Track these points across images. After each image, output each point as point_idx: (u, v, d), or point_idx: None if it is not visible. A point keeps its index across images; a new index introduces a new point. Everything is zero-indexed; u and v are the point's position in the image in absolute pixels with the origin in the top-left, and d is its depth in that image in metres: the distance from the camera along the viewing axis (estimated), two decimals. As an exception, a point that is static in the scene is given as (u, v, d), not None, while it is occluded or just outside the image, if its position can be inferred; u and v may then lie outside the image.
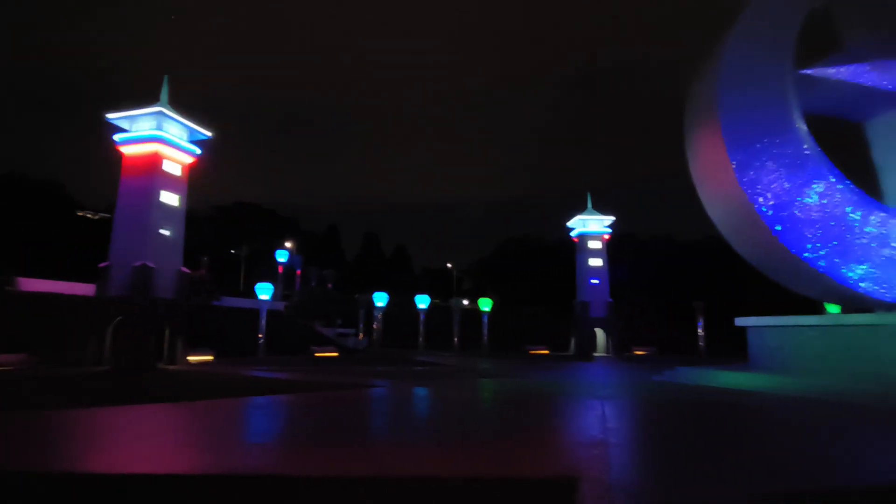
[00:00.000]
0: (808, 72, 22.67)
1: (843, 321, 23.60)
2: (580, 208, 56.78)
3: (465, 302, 64.09)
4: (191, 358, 33.37)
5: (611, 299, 54.14)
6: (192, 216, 52.74)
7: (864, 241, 21.47)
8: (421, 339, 51.33)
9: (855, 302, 23.30)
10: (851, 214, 21.54)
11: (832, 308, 34.54)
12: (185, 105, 34.73)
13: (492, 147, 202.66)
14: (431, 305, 53.71)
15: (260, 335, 39.00)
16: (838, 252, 21.47)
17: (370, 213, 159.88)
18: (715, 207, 24.56)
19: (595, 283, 54.53)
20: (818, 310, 35.02)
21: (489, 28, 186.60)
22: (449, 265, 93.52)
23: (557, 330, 57.31)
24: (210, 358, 34.75)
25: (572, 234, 57.63)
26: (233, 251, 73.10)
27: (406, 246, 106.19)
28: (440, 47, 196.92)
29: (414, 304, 52.80)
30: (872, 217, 21.51)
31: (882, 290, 21.72)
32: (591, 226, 55.80)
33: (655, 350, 53.58)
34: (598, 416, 15.23)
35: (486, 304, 52.51)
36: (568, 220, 57.57)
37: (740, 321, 27.54)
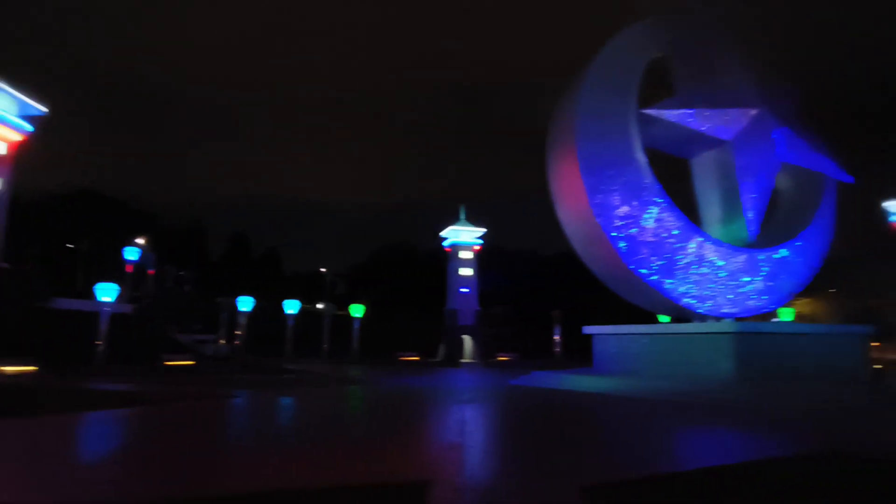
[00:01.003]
0: (648, 111, 25.99)
1: (668, 330, 27.25)
2: (454, 219, 58.78)
3: (337, 308, 62.88)
4: (4, 368, 28.63)
5: (479, 307, 56.65)
6: (22, 203, 45.53)
7: (686, 261, 25.02)
8: (289, 345, 49.33)
9: (679, 313, 27.04)
10: (677, 237, 24.99)
11: (664, 318, 39.53)
12: (26, 80, 30.14)
13: (368, 151, 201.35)
14: (302, 311, 51.89)
15: (99, 342, 34.64)
16: (666, 270, 24.77)
17: (241, 212, 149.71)
18: (570, 224, 27.00)
19: (465, 292, 56.73)
20: (655, 320, 39.86)
21: (369, 26, 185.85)
22: (322, 269, 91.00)
23: (428, 337, 58.51)
24: (32, 368, 30.07)
25: (445, 243, 59.43)
26: (70, 245, 64.03)
27: (277, 248, 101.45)
28: (319, 42, 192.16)
29: (282, 309, 50.64)
30: (692, 241, 25.15)
31: (698, 304, 25.47)
32: (463, 237, 58.03)
33: (518, 356, 56.96)
34: (456, 421, 15.97)
35: (357, 311, 51.97)
36: (441, 229, 59.28)
37: (587, 329, 30.46)
